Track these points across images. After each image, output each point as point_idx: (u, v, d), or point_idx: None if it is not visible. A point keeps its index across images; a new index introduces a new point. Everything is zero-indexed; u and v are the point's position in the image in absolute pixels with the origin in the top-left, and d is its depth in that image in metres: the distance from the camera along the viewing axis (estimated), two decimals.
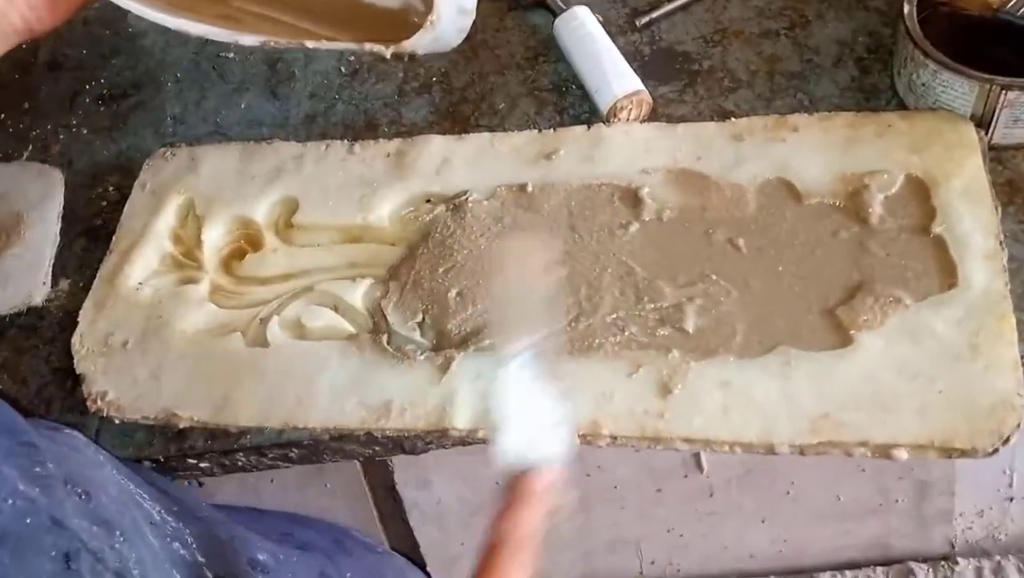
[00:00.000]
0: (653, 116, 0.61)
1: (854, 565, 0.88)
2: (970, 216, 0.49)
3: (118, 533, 0.40)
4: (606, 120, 0.59)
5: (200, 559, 0.46)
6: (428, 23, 0.54)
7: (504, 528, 0.41)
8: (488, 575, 0.40)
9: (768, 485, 0.78)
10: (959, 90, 0.52)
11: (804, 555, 0.87)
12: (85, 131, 0.73)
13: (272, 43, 0.58)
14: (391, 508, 0.85)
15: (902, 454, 0.44)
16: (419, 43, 0.56)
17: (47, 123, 0.74)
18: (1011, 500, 0.81)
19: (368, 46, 0.56)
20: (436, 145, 0.60)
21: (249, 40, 0.59)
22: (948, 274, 0.48)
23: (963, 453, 0.43)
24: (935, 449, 0.44)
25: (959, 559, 0.87)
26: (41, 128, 0.74)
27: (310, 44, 0.57)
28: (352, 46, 0.58)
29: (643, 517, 0.84)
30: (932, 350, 0.46)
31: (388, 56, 0.56)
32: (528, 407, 0.42)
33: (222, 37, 0.60)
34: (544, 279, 0.44)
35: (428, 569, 0.90)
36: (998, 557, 0.87)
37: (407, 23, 0.57)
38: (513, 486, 0.42)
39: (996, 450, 0.43)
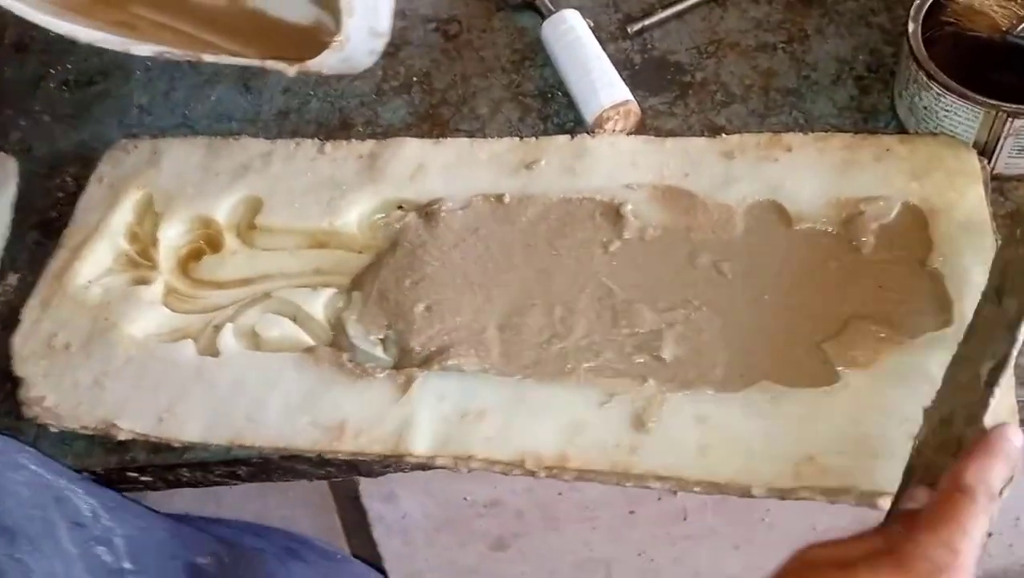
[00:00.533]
0: (641, 128, 0.58)
1: None
2: (969, 250, 0.47)
3: (23, 541, 0.37)
4: (591, 130, 0.56)
5: (127, 565, 0.43)
6: (335, 43, 0.52)
7: (977, 476, 0.36)
8: (962, 521, 0.35)
9: (743, 511, 0.76)
10: (963, 115, 0.49)
11: None
12: (47, 118, 0.70)
13: (167, 55, 0.55)
14: (355, 520, 0.82)
15: (888, 504, 0.41)
16: (325, 63, 0.53)
17: (8, 108, 0.71)
18: (989, 535, 0.80)
19: (270, 64, 0.54)
20: (411, 149, 0.57)
21: (142, 50, 0.56)
22: (944, 311, 0.45)
23: None
24: None
25: None
26: (1, 112, 0.71)
27: (208, 58, 0.55)
28: (254, 62, 0.55)
29: (614, 539, 0.82)
30: (924, 393, 0.43)
31: (292, 75, 0.54)
32: None
33: (114, 45, 0.57)
34: None
35: None
36: None
37: (317, 41, 0.54)
38: (986, 440, 0.37)
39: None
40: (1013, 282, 0.41)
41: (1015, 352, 0.39)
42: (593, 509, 0.76)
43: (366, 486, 0.74)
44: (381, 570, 0.92)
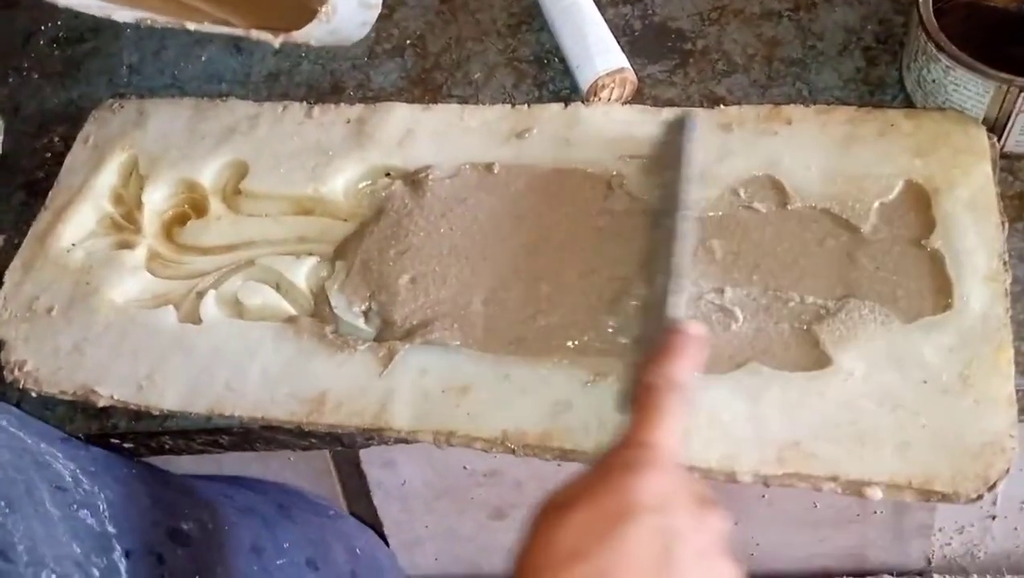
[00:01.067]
0: (638, 97, 0.56)
1: (828, 574, 0.86)
2: (973, 231, 0.45)
3: (2, 504, 0.37)
4: (586, 99, 0.54)
5: (110, 529, 0.43)
6: (321, 15, 0.51)
7: (658, 371, 0.38)
8: (651, 415, 0.37)
9: (742, 486, 0.75)
10: (973, 90, 0.47)
11: (777, 560, 0.84)
12: (36, 75, 0.69)
13: (148, 21, 0.54)
14: (356, 485, 0.83)
15: (876, 493, 0.40)
16: (312, 34, 0.52)
17: None
18: (993, 518, 0.79)
19: (255, 33, 0.52)
20: (400, 114, 0.55)
21: (123, 16, 0.54)
22: (943, 294, 0.44)
23: (943, 497, 0.39)
24: (913, 490, 0.40)
25: (935, 575, 0.85)
26: None
27: (191, 26, 0.53)
28: (237, 31, 0.54)
29: None
30: (918, 379, 0.42)
31: (277, 46, 0.52)
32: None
33: (93, 11, 0.55)
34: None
35: (390, 548, 0.89)
36: (975, 575, 0.85)
37: (309, 9, 0.52)
38: (664, 339, 0.40)
39: (980, 496, 0.39)
40: (671, 202, 0.46)
41: (683, 260, 0.44)
42: None
43: (366, 453, 0.73)
44: (381, 535, 0.92)
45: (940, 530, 0.80)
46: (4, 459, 0.40)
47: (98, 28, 0.70)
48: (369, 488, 0.82)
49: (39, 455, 0.43)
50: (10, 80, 0.69)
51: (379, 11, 0.56)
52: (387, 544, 0.87)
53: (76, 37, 0.70)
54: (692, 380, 0.39)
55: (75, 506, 0.42)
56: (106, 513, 0.43)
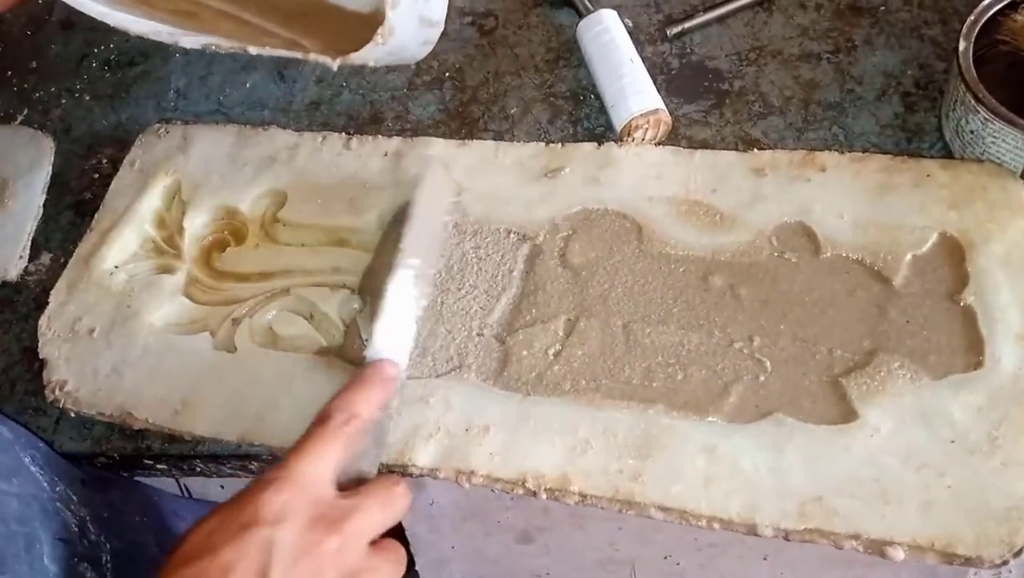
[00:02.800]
0: (673, 137, 0.56)
1: None
2: (1008, 288, 0.44)
3: None
4: (620, 138, 0.55)
5: None
6: (377, 36, 0.51)
7: (335, 403, 0.41)
8: (308, 442, 0.40)
9: None
10: (1011, 143, 0.46)
11: None
12: (87, 97, 0.71)
13: (214, 47, 0.55)
14: None
15: (898, 554, 0.39)
16: (370, 56, 0.52)
17: (51, 85, 0.72)
18: None
19: (313, 56, 0.53)
20: (437, 149, 0.56)
21: (190, 42, 0.56)
22: (974, 352, 0.43)
23: (967, 561, 0.39)
24: (935, 552, 0.39)
25: None
26: (44, 90, 0.72)
27: (252, 50, 0.54)
28: (296, 55, 0.54)
29: (640, 540, 0.81)
30: (945, 438, 0.41)
31: (335, 68, 0.53)
32: (400, 315, 0.46)
33: (162, 37, 0.57)
34: (443, 217, 0.51)
35: (416, 568, 0.89)
36: None
37: (376, 26, 0.53)
38: (357, 372, 0.43)
39: (1005, 562, 0.38)
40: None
41: (392, 290, 0.46)
42: None
43: None
44: (407, 554, 0.93)
45: (976, 574, 0.79)
46: (10, 510, 0.41)
47: (148, 52, 0.72)
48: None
49: (49, 502, 0.44)
50: (63, 101, 0.71)
51: (442, 29, 0.56)
52: (413, 562, 0.87)
53: (127, 60, 0.72)
54: (373, 413, 0.42)
55: (76, 559, 0.42)
56: (109, 565, 0.44)
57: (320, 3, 0.62)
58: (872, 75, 0.56)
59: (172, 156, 0.60)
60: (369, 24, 0.58)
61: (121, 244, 0.57)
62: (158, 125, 0.63)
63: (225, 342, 0.52)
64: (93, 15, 0.58)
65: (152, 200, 0.58)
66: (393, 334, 0.45)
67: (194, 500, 0.67)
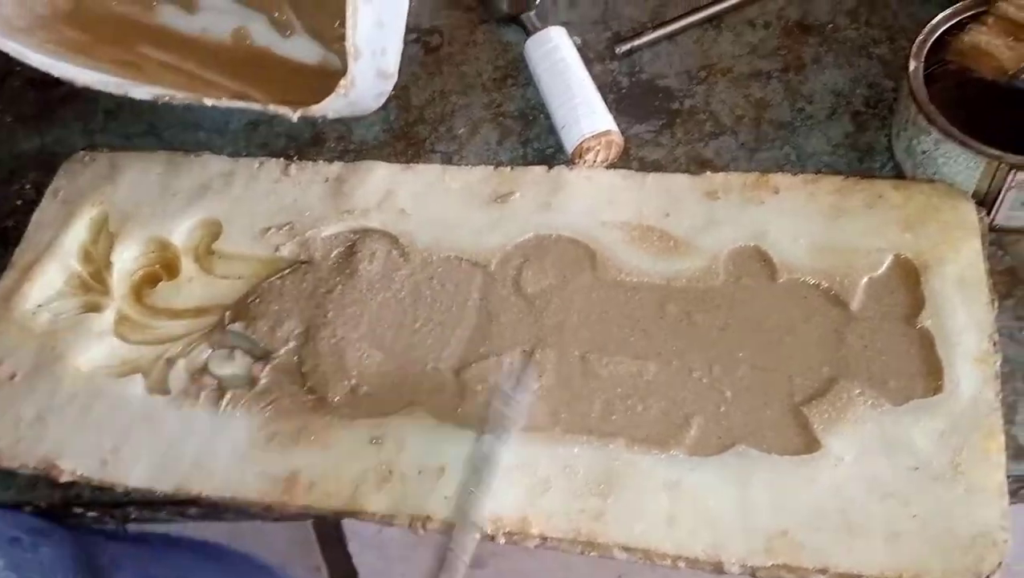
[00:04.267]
0: (625, 158, 0.55)
1: None
2: (963, 310, 0.44)
3: None
4: (571, 160, 0.53)
5: None
6: (340, 89, 0.49)
7: None
8: None
9: None
10: (963, 164, 0.46)
11: None
12: (9, 118, 0.67)
13: (167, 98, 0.53)
14: (330, 532, 0.81)
15: None
16: (330, 107, 0.50)
17: None
18: None
19: (272, 108, 0.51)
20: (380, 174, 0.54)
21: (141, 93, 0.53)
22: (934, 376, 0.43)
23: None
24: None
25: None
26: None
27: (208, 102, 0.52)
28: (255, 106, 0.52)
29: (594, 563, 0.81)
30: (909, 466, 0.41)
31: (295, 119, 0.51)
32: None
33: (110, 88, 0.54)
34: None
35: None
36: None
37: (324, 80, 0.52)
38: None
39: None
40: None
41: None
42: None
43: None
44: None
45: None
46: None
47: None
48: (344, 535, 0.81)
49: None
50: None
51: (395, 81, 0.55)
52: None
53: (52, 80, 0.68)
54: None
55: None
56: None
57: (266, 54, 0.60)
58: (822, 94, 0.55)
59: (98, 186, 0.57)
60: (317, 75, 0.57)
61: (44, 281, 0.53)
62: (83, 152, 0.59)
63: (158, 384, 0.49)
64: (35, 65, 0.55)
65: (77, 233, 0.55)
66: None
67: (132, 542, 0.63)
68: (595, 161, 0.53)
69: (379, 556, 0.96)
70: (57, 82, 0.68)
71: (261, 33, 0.62)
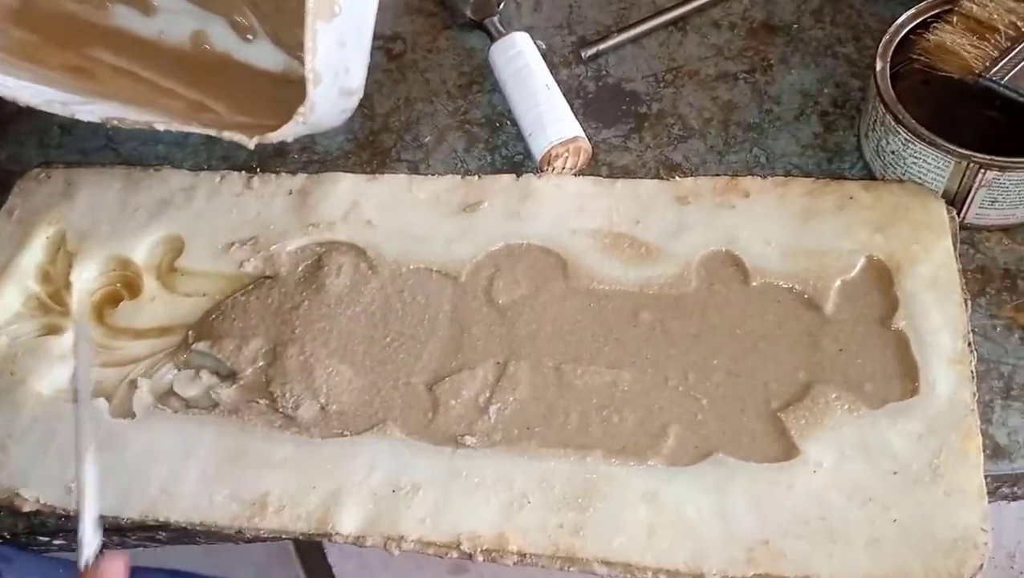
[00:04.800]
0: (593, 163, 0.54)
1: None
2: (936, 310, 0.44)
3: None
4: (539, 168, 0.52)
5: None
6: (299, 116, 0.47)
7: None
8: None
9: None
10: (932, 163, 0.46)
11: None
12: None
13: (115, 121, 0.51)
14: (310, 544, 0.80)
15: None
16: (289, 133, 0.48)
17: None
18: None
19: (227, 134, 0.49)
20: (345, 185, 0.53)
21: (88, 115, 0.51)
22: (910, 378, 0.43)
23: None
24: None
25: None
26: None
27: (160, 127, 0.50)
28: (210, 131, 0.50)
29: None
30: (887, 470, 0.40)
31: (251, 147, 0.49)
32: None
33: (55, 109, 0.52)
34: None
35: None
36: None
37: (287, 87, 0.50)
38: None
39: None
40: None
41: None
42: None
43: None
44: None
45: None
46: None
47: None
48: (323, 546, 0.80)
49: None
50: None
51: (361, 96, 0.53)
52: None
53: None
54: None
55: None
56: None
57: (227, 60, 0.58)
58: (789, 95, 0.55)
59: (55, 204, 0.55)
60: (280, 84, 0.55)
61: (1, 303, 0.52)
62: (38, 169, 0.58)
63: (122, 407, 0.48)
64: None
65: (34, 253, 0.53)
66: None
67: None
68: (564, 168, 0.52)
69: (359, 565, 0.94)
70: None
71: (221, 37, 0.60)
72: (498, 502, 0.42)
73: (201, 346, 0.49)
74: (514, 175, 0.52)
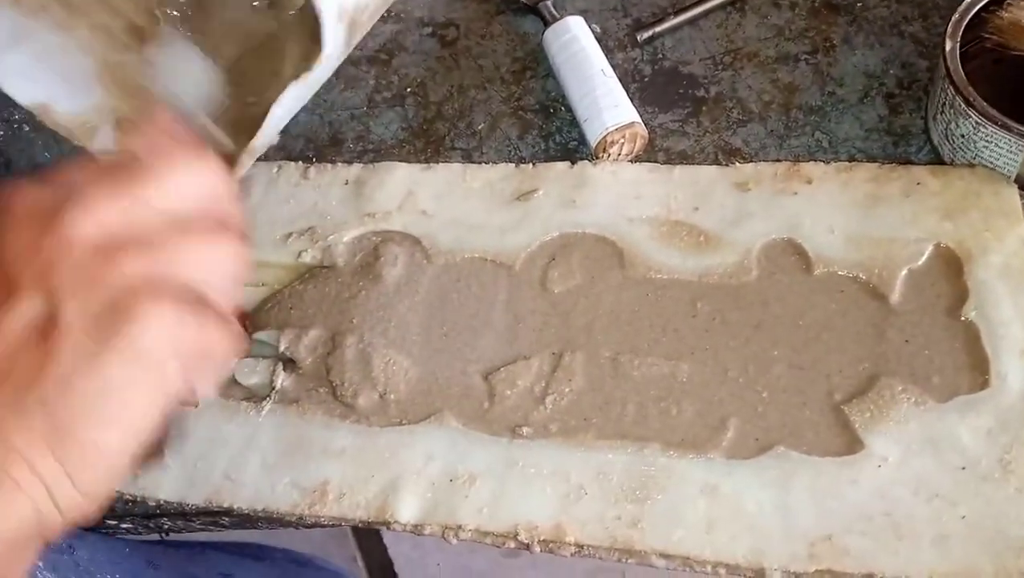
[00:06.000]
0: (650, 150, 0.53)
1: None
2: (1009, 301, 0.42)
3: None
4: (594, 154, 0.52)
5: None
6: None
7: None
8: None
9: None
10: (1004, 148, 0.44)
11: None
12: (27, 128, 0.67)
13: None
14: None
15: None
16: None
17: None
18: None
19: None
20: (400, 175, 0.53)
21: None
22: (979, 370, 0.41)
23: None
24: None
25: None
26: None
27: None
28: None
29: None
30: (956, 465, 0.39)
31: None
32: None
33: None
34: None
35: None
36: None
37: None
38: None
39: None
40: None
41: None
42: None
43: None
44: (392, 575, 0.91)
45: None
46: None
47: None
48: (379, 528, 0.81)
49: None
50: (0, 133, 0.67)
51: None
52: None
53: None
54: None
55: None
56: None
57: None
58: (853, 76, 0.53)
59: None
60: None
61: None
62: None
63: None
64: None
65: None
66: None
67: (169, 543, 0.64)
68: (619, 155, 0.51)
69: (414, 546, 0.95)
70: None
71: None
72: (555, 493, 0.42)
73: (262, 335, 0.49)
74: (568, 162, 0.51)
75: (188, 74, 0.43)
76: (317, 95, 0.61)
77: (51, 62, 0.54)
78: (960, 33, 0.46)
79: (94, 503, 0.31)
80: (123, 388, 0.30)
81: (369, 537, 0.98)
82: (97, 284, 0.30)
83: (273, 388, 0.48)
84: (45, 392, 0.29)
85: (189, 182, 0.33)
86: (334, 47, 0.47)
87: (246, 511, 0.45)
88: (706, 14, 0.58)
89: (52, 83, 0.55)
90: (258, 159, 0.57)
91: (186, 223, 0.32)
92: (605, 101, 0.52)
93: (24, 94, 0.54)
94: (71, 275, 0.30)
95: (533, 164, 0.52)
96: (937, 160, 0.49)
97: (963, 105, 0.45)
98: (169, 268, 0.32)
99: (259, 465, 0.45)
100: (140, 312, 0.30)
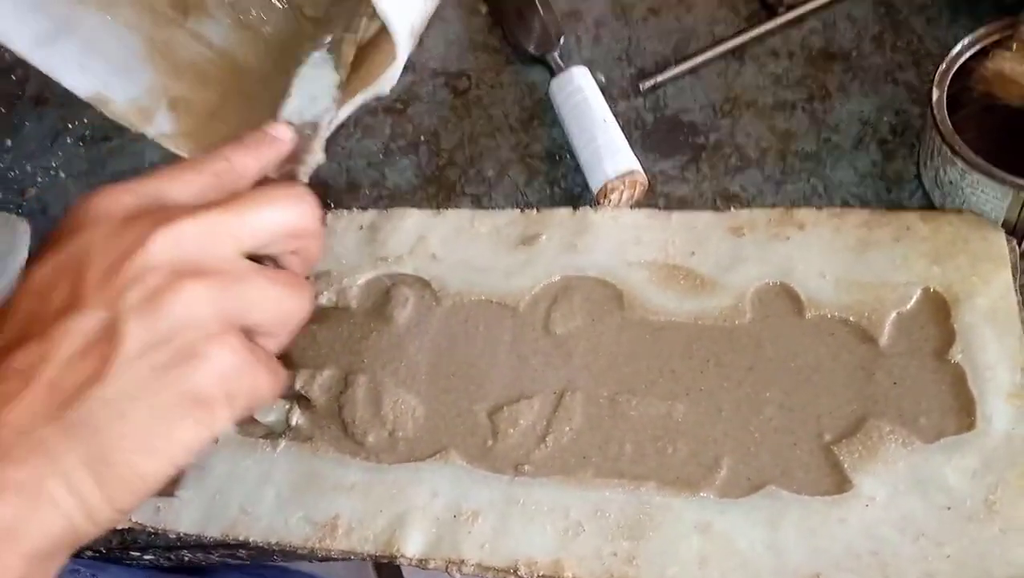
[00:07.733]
0: (651, 195, 0.55)
1: None
2: (995, 344, 0.43)
3: None
4: (596, 200, 0.54)
5: None
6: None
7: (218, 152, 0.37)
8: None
9: None
10: (990, 194, 0.46)
11: None
12: (63, 175, 0.71)
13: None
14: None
15: None
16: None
17: (26, 163, 0.72)
18: None
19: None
20: (412, 221, 0.56)
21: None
22: (965, 412, 0.42)
23: None
24: None
25: None
26: (20, 169, 0.72)
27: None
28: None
29: None
30: (941, 505, 0.40)
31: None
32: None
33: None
34: None
35: None
36: None
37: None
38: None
39: None
40: None
41: None
42: None
43: None
44: None
45: None
46: None
47: (122, 126, 0.71)
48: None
49: None
50: (39, 180, 0.70)
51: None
52: None
53: (101, 135, 0.72)
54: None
55: None
56: None
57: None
58: (848, 123, 0.55)
59: None
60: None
61: None
62: None
63: None
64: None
65: None
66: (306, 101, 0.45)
67: (187, 572, 0.66)
68: (620, 201, 0.53)
69: (429, 574, 0.96)
70: (105, 136, 0.72)
71: None
72: (554, 530, 0.44)
73: None
74: (571, 208, 0.54)
75: (321, 79, 0.46)
76: (336, 143, 0.64)
77: (100, 48, 0.57)
78: (947, 82, 0.48)
79: (125, 516, 0.32)
80: (172, 422, 0.30)
81: (389, 566, 1.00)
82: (163, 311, 0.30)
83: (289, 426, 0.50)
84: (93, 411, 0.29)
85: (277, 218, 0.34)
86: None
87: (261, 544, 0.48)
88: (707, 63, 0.60)
89: (104, 71, 0.57)
90: None
91: (262, 266, 0.33)
92: (606, 150, 0.54)
93: (81, 86, 0.56)
94: (140, 296, 0.30)
95: (537, 210, 0.54)
96: (929, 205, 0.50)
97: (950, 153, 0.46)
98: (237, 305, 0.32)
99: (274, 499, 0.48)
100: (202, 352, 0.30)
